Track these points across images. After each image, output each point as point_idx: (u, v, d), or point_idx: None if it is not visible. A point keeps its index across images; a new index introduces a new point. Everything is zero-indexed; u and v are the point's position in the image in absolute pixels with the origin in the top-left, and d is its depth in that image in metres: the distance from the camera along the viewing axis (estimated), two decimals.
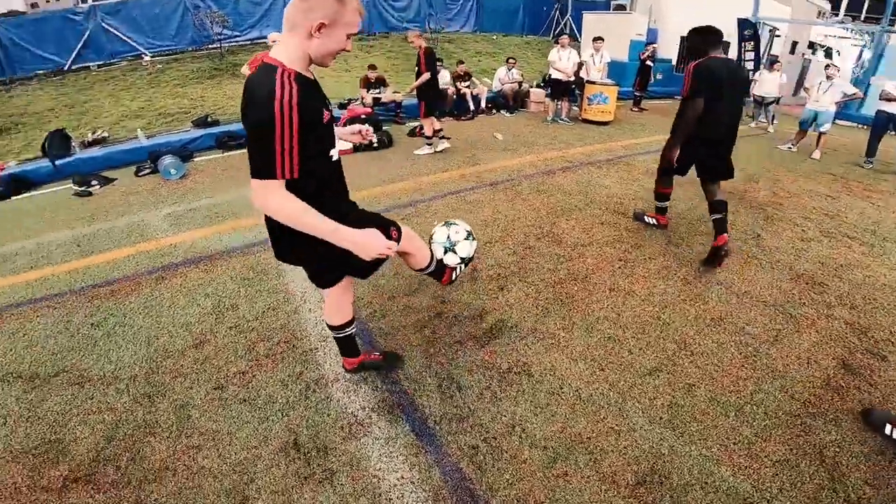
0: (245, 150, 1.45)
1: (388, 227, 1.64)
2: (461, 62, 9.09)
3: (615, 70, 10.30)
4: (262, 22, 11.52)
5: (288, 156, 1.25)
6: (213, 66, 10.10)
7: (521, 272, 3.08)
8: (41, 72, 10.04)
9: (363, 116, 6.51)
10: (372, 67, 7.83)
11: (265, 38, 10.44)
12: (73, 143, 6.51)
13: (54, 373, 2.26)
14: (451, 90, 8.51)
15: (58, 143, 6.25)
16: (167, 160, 5.48)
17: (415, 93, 5.83)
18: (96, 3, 10.72)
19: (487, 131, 7.43)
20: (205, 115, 7.50)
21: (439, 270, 2.01)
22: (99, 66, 10.32)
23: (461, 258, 2.02)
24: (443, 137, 6.16)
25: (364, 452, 1.79)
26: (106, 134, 7.19)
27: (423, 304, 2.73)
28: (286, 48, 1.30)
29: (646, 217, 3.89)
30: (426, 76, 5.53)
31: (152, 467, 1.73)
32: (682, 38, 11.44)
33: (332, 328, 1.99)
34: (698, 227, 3.84)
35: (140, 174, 5.59)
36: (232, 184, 5.13)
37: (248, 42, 11.38)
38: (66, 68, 10.12)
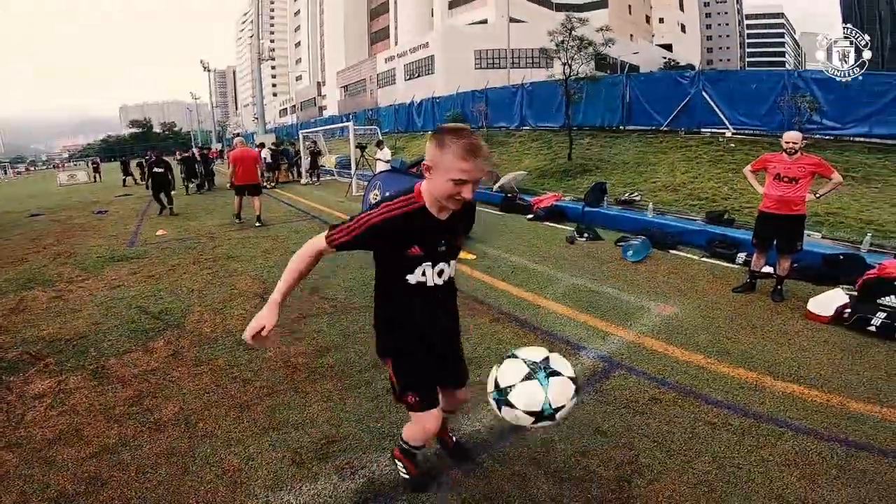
0: None
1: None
2: None
3: None
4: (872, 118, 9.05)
5: (344, 235, 1.46)
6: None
7: None
8: (643, 127, 12.51)
9: None
10: None
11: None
12: (606, 198, 8.17)
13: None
14: None
15: (596, 193, 8.05)
16: (636, 240, 5.70)
17: None
18: (703, 69, 11.73)
19: None
20: (723, 211, 7.24)
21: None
22: (685, 132, 11.67)
23: (528, 412, 1.47)
24: None
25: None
26: (637, 197, 8.45)
27: None
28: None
29: None
30: None
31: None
32: None
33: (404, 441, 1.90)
34: None
35: (618, 243, 6.16)
36: (675, 299, 4.25)
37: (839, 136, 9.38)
38: (662, 127, 12.08)
